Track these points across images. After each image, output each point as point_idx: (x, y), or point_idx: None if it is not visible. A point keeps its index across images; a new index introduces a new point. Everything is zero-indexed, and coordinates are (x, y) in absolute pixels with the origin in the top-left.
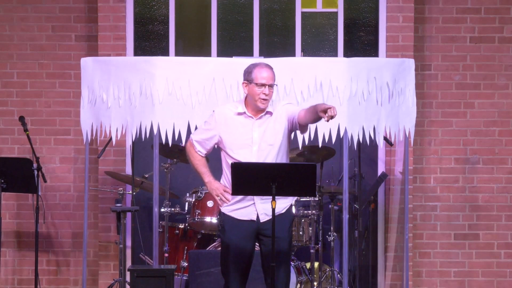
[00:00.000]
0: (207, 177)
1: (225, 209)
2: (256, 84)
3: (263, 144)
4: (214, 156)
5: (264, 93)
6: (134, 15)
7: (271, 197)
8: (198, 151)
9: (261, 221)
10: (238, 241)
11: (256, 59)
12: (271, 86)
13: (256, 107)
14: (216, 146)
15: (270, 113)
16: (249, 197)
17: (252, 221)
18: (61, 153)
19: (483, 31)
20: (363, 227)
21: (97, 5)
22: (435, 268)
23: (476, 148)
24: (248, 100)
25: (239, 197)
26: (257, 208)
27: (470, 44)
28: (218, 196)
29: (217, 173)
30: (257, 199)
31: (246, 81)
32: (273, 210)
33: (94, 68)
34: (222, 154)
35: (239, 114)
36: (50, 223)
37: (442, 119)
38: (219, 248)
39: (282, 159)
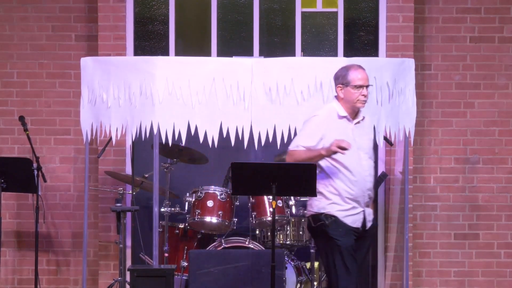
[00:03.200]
0: (321, 148)
1: (339, 214)
2: (355, 86)
3: (363, 148)
4: (213, 156)
5: (363, 94)
6: (134, 15)
7: (371, 202)
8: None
9: (367, 227)
10: (351, 245)
11: (255, 58)
12: (367, 87)
13: (355, 108)
14: None
15: (363, 118)
16: (358, 204)
17: (357, 228)
18: (61, 153)
19: (483, 31)
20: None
21: (97, 5)
22: (435, 268)
23: (476, 148)
24: (345, 103)
25: (351, 205)
26: (366, 215)
27: (470, 44)
28: (340, 144)
29: (215, 173)
30: (364, 206)
31: (341, 85)
32: (273, 210)
33: (94, 68)
34: (324, 161)
35: (342, 117)
36: (50, 223)
37: (442, 119)
38: (219, 248)
39: (372, 165)
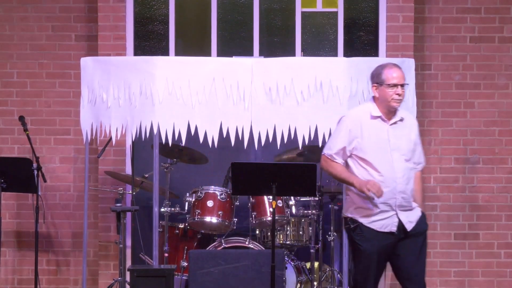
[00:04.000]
0: (353, 178)
1: (363, 220)
2: (388, 85)
3: (399, 150)
4: (213, 156)
5: (398, 93)
6: (134, 15)
7: (409, 206)
8: (337, 162)
9: (408, 229)
10: (378, 251)
11: (255, 58)
12: (402, 85)
13: (390, 108)
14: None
15: (402, 119)
16: (389, 207)
17: (391, 233)
18: (61, 153)
19: (483, 31)
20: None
21: (97, 5)
22: (435, 268)
23: (476, 148)
24: (380, 103)
25: (379, 209)
26: (401, 218)
27: (470, 44)
28: (371, 187)
29: (215, 173)
30: (397, 209)
31: (376, 84)
32: (273, 210)
33: (94, 68)
34: (353, 161)
35: (375, 117)
36: (50, 223)
37: (442, 119)
38: (219, 248)
39: (412, 169)
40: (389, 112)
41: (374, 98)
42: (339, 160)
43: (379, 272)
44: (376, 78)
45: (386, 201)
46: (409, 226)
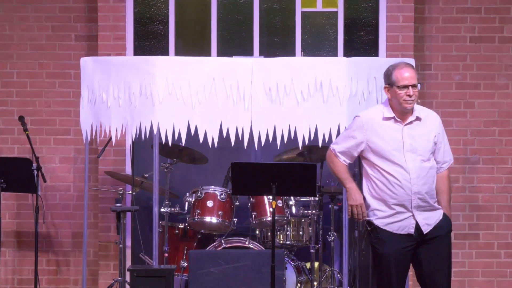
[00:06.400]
0: (350, 182)
1: (378, 222)
2: (399, 86)
3: (414, 150)
4: (213, 156)
5: (408, 95)
6: (134, 15)
7: (429, 206)
8: (342, 161)
9: (424, 232)
10: (396, 254)
11: (255, 58)
12: (414, 86)
13: (403, 109)
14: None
15: (419, 118)
16: (404, 208)
17: (409, 235)
18: (61, 153)
19: (483, 31)
20: (363, 227)
21: (97, 5)
22: None
23: (476, 148)
24: (393, 104)
25: (394, 210)
26: (418, 219)
27: (470, 44)
28: (354, 207)
29: (215, 173)
30: (415, 210)
31: (387, 85)
32: (273, 210)
33: (94, 68)
34: (366, 162)
35: (387, 119)
36: (50, 223)
37: (442, 119)
38: (219, 248)
39: (431, 168)
40: (404, 113)
41: (388, 99)
42: (344, 158)
43: (401, 277)
44: (387, 79)
45: (401, 202)
46: (425, 229)
